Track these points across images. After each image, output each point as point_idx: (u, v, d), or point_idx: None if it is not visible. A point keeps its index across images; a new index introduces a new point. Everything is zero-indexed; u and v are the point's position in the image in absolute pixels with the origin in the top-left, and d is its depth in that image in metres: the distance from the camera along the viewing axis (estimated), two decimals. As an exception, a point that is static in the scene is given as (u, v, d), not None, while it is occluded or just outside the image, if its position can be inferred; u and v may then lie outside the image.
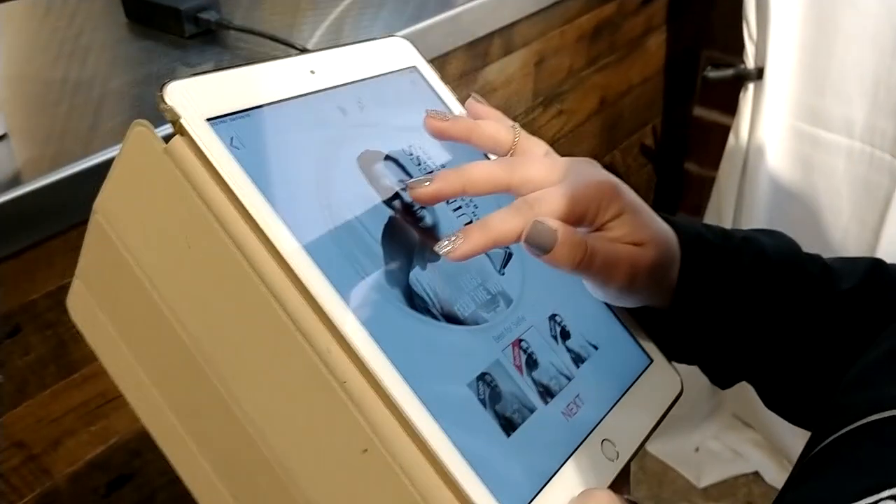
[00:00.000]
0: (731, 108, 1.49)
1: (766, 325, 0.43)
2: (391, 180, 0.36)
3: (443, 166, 0.39)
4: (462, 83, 1.02)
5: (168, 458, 0.38)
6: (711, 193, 1.48)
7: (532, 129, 1.20)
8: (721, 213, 1.40)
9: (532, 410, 0.34)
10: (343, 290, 0.31)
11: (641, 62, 1.45)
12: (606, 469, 0.34)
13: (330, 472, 0.31)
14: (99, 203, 0.36)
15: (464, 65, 1.01)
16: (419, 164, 0.38)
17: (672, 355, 0.43)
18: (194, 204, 0.32)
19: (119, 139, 0.67)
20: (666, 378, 0.40)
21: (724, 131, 1.47)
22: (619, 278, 0.37)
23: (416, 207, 0.36)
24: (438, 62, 0.97)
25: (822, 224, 1.27)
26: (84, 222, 0.66)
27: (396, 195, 0.36)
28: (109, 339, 0.38)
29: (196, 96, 0.33)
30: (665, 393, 0.40)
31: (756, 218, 1.33)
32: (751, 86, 1.29)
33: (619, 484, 0.34)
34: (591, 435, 0.35)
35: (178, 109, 0.32)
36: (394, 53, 0.41)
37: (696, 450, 1.56)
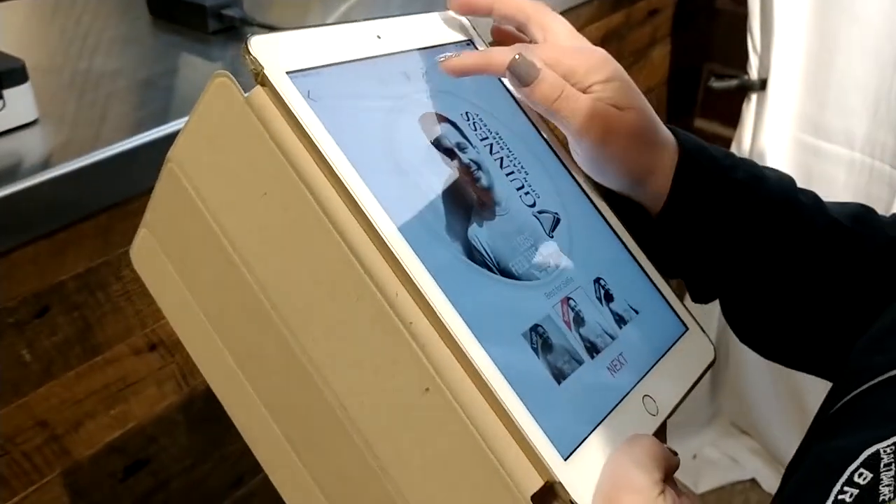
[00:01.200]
0: (732, 120, 1.52)
1: (754, 243, 0.44)
2: (450, 142, 0.38)
3: (497, 132, 0.41)
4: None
5: (223, 403, 0.39)
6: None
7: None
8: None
9: (580, 363, 0.36)
10: (410, 240, 0.33)
11: (646, 72, 1.47)
12: (647, 422, 0.36)
13: (391, 411, 0.33)
14: (174, 152, 0.38)
15: (477, 68, 1.03)
16: (475, 129, 0.40)
17: (658, 265, 0.44)
18: (272, 151, 0.33)
19: (147, 127, 0.69)
20: (701, 346, 0.42)
21: (725, 143, 1.49)
22: (592, 130, 0.40)
23: (472, 168, 0.38)
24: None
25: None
26: (114, 205, 0.68)
27: (455, 156, 0.38)
28: (173, 286, 0.39)
29: (277, 50, 0.34)
30: (700, 359, 0.41)
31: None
32: (754, 97, 1.32)
33: (659, 438, 0.36)
34: (634, 390, 0.37)
35: (262, 61, 0.34)
36: (452, 26, 0.44)
37: (694, 457, 1.57)
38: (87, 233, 0.67)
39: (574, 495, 0.31)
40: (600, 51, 0.43)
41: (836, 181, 1.25)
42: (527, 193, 0.40)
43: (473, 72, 0.40)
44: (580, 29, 1.28)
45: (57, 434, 0.71)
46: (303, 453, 0.36)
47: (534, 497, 0.31)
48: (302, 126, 0.33)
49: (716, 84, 1.33)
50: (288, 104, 0.33)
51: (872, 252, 0.45)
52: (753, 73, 1.31)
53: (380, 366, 0.33)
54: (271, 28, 0.87)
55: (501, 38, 0.47)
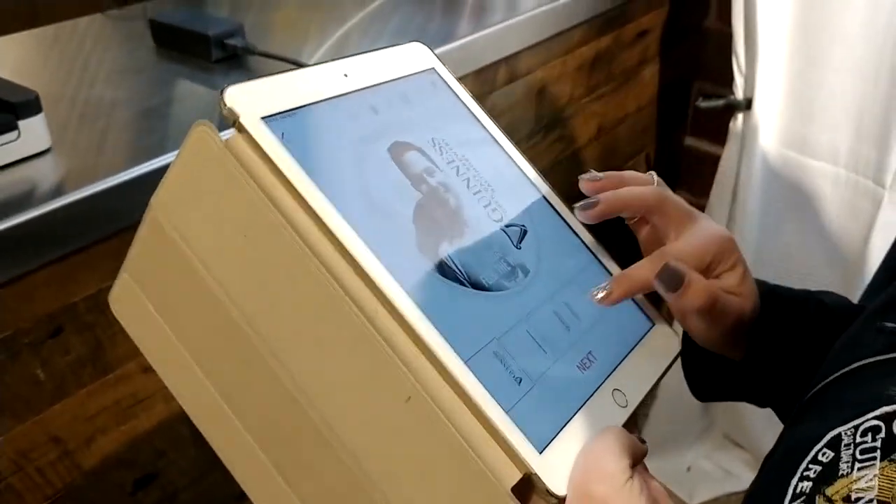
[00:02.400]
0: (721, 138, 1.55)
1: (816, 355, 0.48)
2: (418, 168, 0.41)
3: (462, 155, 0.44)
4: (469, 108, 1.08)
5: (208, 439, 0.42)
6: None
7: (534, 153, 1.25)
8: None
9: (551, 363, 0.39)
10: (386, 263, 0.36)
11: (636, 92, 1.51)
12: (617, 414, 0.39)
13: (376, 423, 0.36)
14: (156, 199, 0.40)
15: (472, 91, 1.07)
16: (442, 154, 0.43)
17: (741, 397, 0.48)
18: (253, 192, 0.36)
19: (155, 153, 0.72)
20: (667, 339, 0.45)
21: (714, 160, 1.53)
22: (726, 324, 0.43)
23: (441, 191, 0.41)
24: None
25: (809, 247, 1.32)
26: (124, 230, 0.71)
27: (424, 181, 0.41)
28: (154, 328, 0.42)
29: (252, 98, 0.37)
30: (666, 351, 0.45)
31: (746, 242, 1.38)
32: (740, 115, 1.35)
33: (629, 428, 0.39)
34: (604, 385, 0.40)
35: (237, 109, 0.37)
36: (414, 57, 0.47)
37: (688, 469, 1.60)
38: (98, 256, 0.70)
39: (549, 485, 0.34)
40: (724, 231, 0.45)
41: (821, 196, 1.29)
42: (494, 210, 0.43)
43: (634, 295, 0.43)
44: (572, 50, 1.31)
45: (69, 449, 0.73)
46: (290, 476, 0.39)
47: (513, 489, 0.34)
48: (278, 167, 0.36)
49: (703, 104, 1.37)
50: (264, 148, 0.36)
51: None
52: (739, 93, 1.34)
53: (363, 381, 0.35)
54: (272, 56, 0.90)
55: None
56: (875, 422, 0.33)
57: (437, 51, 0.97)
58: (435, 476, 0.35)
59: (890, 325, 0.39)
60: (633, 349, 0.43)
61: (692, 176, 1.77)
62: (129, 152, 0.73)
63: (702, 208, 1.59)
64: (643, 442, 0.38)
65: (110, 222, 0.70)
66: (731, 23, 1.40)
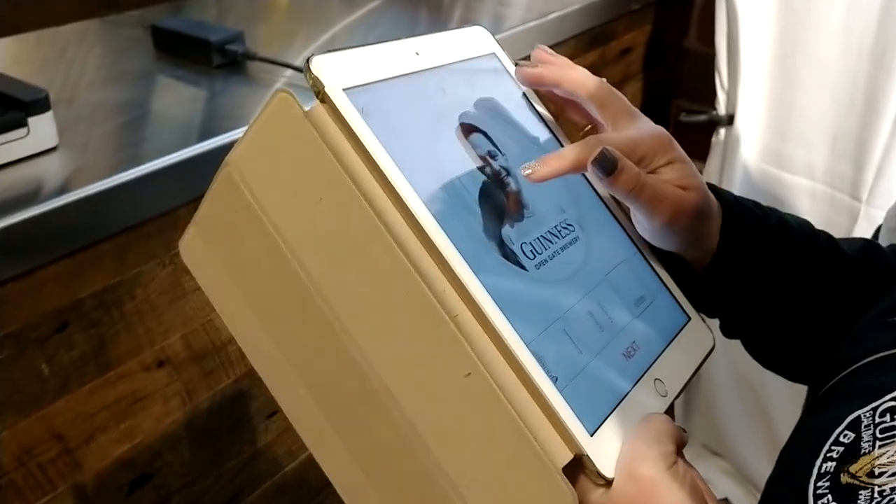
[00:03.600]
0: (700, 154, 1.59)
1: (785, 281, 0.50)
2: (482, 150, 0.43)
3: (522, 143, 0.46)
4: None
5: (272, 393, 0.43)
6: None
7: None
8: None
9: (601, 350, 0.40)
10: (454, 241, 0.37)
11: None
12: (658, 402, 0.41)
13: (435, 393, 0.37)
14: (233, 157, 0.41)
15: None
16: (503, 138, 0.45)
17: (699, 306, 0.49)
18: (330, 162, 0.37)
19: (159, 155, 0.73)
20: (702, 333, 0.47)
21: (694, 175, 1.57)
22: (664, 213, 0.44)
23: (502, 175, 0.43)
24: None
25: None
26: (129, 228, 0.72)
27: (487, 163, 0.43)
28: (220, 280, 0.43)
29: (335, 69, 0.38)
30: (702, 346, 0.46)
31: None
32: (722, 131, 1.39)
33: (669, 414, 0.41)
34: (647, 374, 0.42)
35: (322, 79, 0.37)
36: (477, 40, 0.48)
37: (668, 479, 1.62)
38: (104, 253, 0.71)
39: (599, 467, 0.36)
40: (661, 130, 0.47)
41: (799, 210, 1.32)
42: (549, 198, 0.45)
43: (559, 175, 0.43)
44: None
45: (70, 447, 0.74)
46: (344, 433, 0.40)
47: (564, 469, 0.35)
48: (359, 139, 0.37)
49: (685, 119, 1.40)
50: (347, 120, 0.37)
51: (880, 279, 0.52)
52: (721, 109, 1.38)
53: (425, 353, 0.37)
54: (273, 62, 0.92)
55: (558, 103, 0.50)
56: (892, 403, 0.36)
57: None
58: (488, 449, 0.36)
59: None
60: (672, 341, 0.45)
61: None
62: (133, 153, 0.74)
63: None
64: (684, 431, 0.40)
65: (117, 220, 0.71)
66: (714, 42, 1.44)
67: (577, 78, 0.48)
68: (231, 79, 0.91)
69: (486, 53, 0.48)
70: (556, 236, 0.43)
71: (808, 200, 1.31)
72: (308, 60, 0.38)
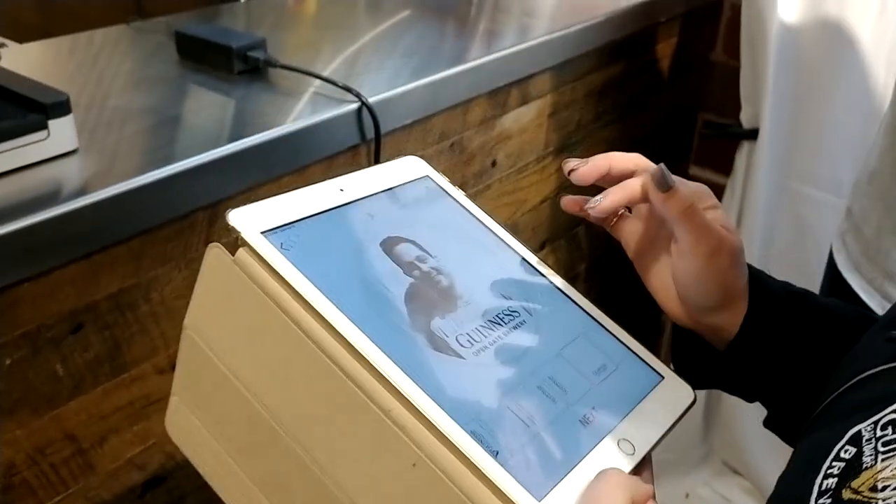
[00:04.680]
0: (725, 168, 1.58)
1: (812, 360, 0.50)
2: (410, 256, 0.46)
3: (457, 244, 0.48)
4: (482, 128, 1.10)
5: None
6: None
7: (542, 176, 1.27)
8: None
9: (553, 420, 0.41)
10: (377, 342, 0.39)
11: (642, 120, 1.53)
12: (624, 461, 0.41)
13: (388, 489, 0.39)
14: (188, 320, 0.45)
15: (484, 112, 1.09)
16: (435, 243, 0.47)
17: (719, 382, 0.50)
18: (261, 299, 0.41)
19: (178, 158, 0.73)
20: (678, 390, 0.47)
21: (718, 190, 1.55)
22: (709, 243, 0.46)
23: (433, 274, 0.45)
24: (462, 108, 1.04)
25: (812, 277, 1.34)
26: (146, 231, 0.72)
27: (416, 267, 0.45)
28: (205, 444, 0.46)
29: (251, 217, 0.42)
30: (677, 402, 0.46)
31: (749, 270, 1.40)
32: (745, 145, 1.38)
33: (640, 471, 0.41)
34: (608, 436, 0.41)
35: (238, 227, 0.42)
36: (409, 168, 0.51)
37: (687, 496, 1.60)
38: (121, 256, 0.71)
39: None
40: (702, 186, 0.50)
41: (825, 227, 1.31)
42: (488, 287, 0.47)
43: (622, 206, 0.48)
44: (582, 76, 1.34)
45: (83, 448, 0.74)
46: None
47: None
48: (279, 274, 0.40)
49: (708, 132, 1.39)
50: (265, 258, 0.40)
51: None
52: (745, 123, 1.37)
53: (372, 451, 0.39)
54: (293, 69, 0.92)
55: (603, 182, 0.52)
56: (894, 415, 0.35)
57: (451, 71, 0.99)
58: None
59: None
60: (641, 401, 0.45)
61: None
62: (153, 157, 0.74)
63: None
64: (648, 482, 0.39)
65: (134, 223, 0.71)
66: (739, 56, 1.43)
67: (619, 156, 0.51)
68: (252, 85, 0.92)
69: (419, 177, 0.51)
70: (499, 323, 0.44)
71: (833, 217, 1.29)
72: (227, 213, 0.42)
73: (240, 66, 0.93)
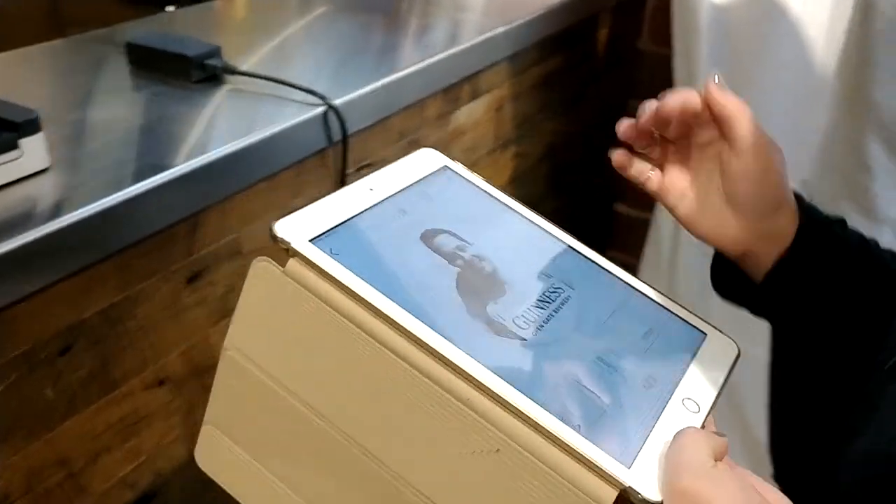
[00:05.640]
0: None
1: (849, 290, 0.54)
2: (450, 246, 0.46)
3: (490, 229, 0.49)
4: (438, 125, 1.11)
5: None
6: (648, 234, 1.61)
7: (494, 169, 1.30)
8: (660, 246, 1.52)
9: (619, 389, 0.42)
10: (443, 334, 0.40)
11: (584, 110, 1.57)
12: (692, 418, 0.42)
13: (474, 482, 0.39)
14: (230, 340, 0.44)
15: (439, 108, 1.11)
16: (470, 231, 0.48)
17: (755, 306, 0.53)
18: (319, 308, 0.40)
19: (152, 173, 0.72)
20: (723, 344, 0.49)
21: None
22: (764, 140, 0.53)
23: (476, 262, 0.46)
24: (419, 105, 1.06)
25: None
26: (131, 246, 0.71)
27: (458, 256, 0.46)
28: (246, 470, 0.45)
29: (296, 227, 0.42)
30: (725, 355, 0.48)
31: (695, 249, 1.45)
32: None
33: (706, 428, 0.42)
34: (672, 398, 0.43)
35: (287, 238, 0.42)
36: (428, 161, 0.52)
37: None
38: (105, 272, 0.70)
39: (645, 493, 0.37)
40: None
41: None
42: (529, 267, 0.48)
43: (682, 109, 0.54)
44: (525, 71, 1.36)
45: (74, 472, 0.73)
46: None
47: None
48: (335, 278, 0.40)
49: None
50: (319, 265, 0.41)
51: None
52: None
53: (453, 444, 0.39)
54: (254, 76, 0.92)
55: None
56: None
57: (410, 70, 1.01)
58: None
59: None
60: (692, 360, 0.46)
61: (632, 191, 1.85)
62: (128, 171, 0.73)
63: (643, 222, 1.67)
64: (722, 435, 0.40)
65: (115, 239, 0.70)
66: (666, 43, 1.48)
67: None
68: (212, 94, 0.91)
69: (438, 168, 0.52)
70: (547, 301, 0.46)
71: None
72: (271, 227, 0.42)
73: (197, 74, 0.92)
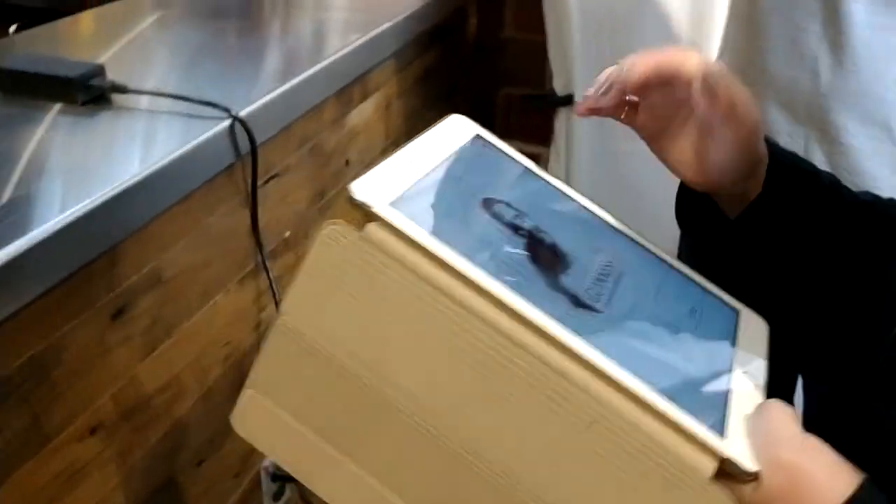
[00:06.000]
0: (532, 137, 1.66)
1: (825, 242, 0.54)
2: (510, 216, 0.45)
3: (534, 199, 0.49)
4: (334, 128, 1.09)
5: None
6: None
7: (387, 168, 1.28)
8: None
9: (688, 363, 0.43)
10: (543, 309, 0.38)
11: (463, 100, 1.59)
12: (758, 391, 0.43)
13: (565, 457, 0.38)
14: (287, 307, 0.41)
15: (335, 111, 1.08)
16: (519, 201, 0.47)
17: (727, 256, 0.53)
18: (402, 273, 0.38)
19: (71, 203, 0.66)
20: (755, 320, 0.50)
21: (533, 159, 1.64)
22: (740, 127, 0.50)
23: (536, 233, 0.45)
24: (316, 111, 1.03)
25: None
26: (51, 289, 0.66)
27: (519, 226, 0.45)
28: (292, 437, 0.42)
29: (375, 189, 0.40)
30: (761, 333, 0.49)
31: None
32: (562, 112, 1.47)
33: None
34: (734, 371, 0.44)
35: (369, 202, 0.39)
36: (461, 129, 0.51)
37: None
38: (26, 322, 0.64)
39: (744, 463, 0.37)
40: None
41: (648, 181, 1.42)
42: (580, 239, 0.48)
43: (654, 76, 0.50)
44: (406, 67, 1.35)
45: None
46: None
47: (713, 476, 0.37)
48: (424, 247, 0.38)
49: (528, 102, 1.47)
50: (406, 232, 0.39)
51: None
52: (559, 91, 1.45)
53: (543, 420, 0.38)
54: (144, 93, 0.86)
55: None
56: None
57: (307, 73, 0.97)
58: (638, 490, 0.37)
59: None
60: (736, 336, 0.47)
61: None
62: (36, 210, 0.67)
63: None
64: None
65: (39, 282, 0.64)
66: (530, 30, 1.51)
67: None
68: (102, 116, 0.85)
69: (473, 136, 0.52)
70: (605, 275, 0.45)
71: (655, 169, 1.40)
72: (349, 190, 0.39)
73: (83, 96, 0.85)
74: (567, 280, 0.43)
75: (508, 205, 0.46)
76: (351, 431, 0.41)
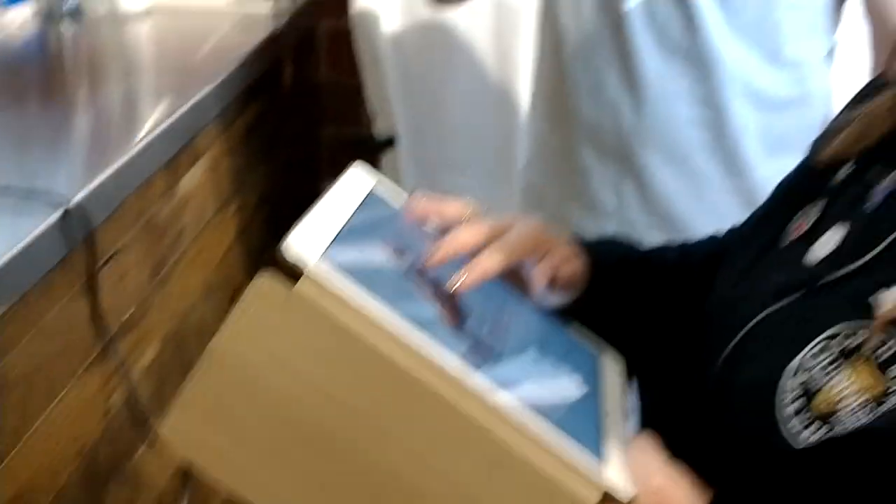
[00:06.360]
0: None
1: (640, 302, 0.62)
2: (418, 263, 0.49)
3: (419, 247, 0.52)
4: (167, 198, 1.07)
5: None
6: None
7: (222, 229, 1.27)
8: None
9: (568, 398, 0.47)
10: (458, 363, 0.42)
11: (293, 148, 1.59)
12: (623, 420, 0.49)
13: (460, 481, 0.41)
14: (219, 344, 0.42)
15: (165, 183, 1.06)
16: (409, 249, 0.50)
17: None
18: (335, 328, 0.40)
19: None
20: (614, 361, 0.56)
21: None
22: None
23: (441, 281, 0.49)
24: (147, 184, 1.00)
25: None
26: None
27: (426, 273, 0.49)
28: (219, 449, 0.44)
29: (306, 245, 0.42)
30: (618, 371, 0.55)
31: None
32: (389, 153, 1.51)
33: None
34: (600, 405, 0.49)
35: (301, 259, 0.41)
36: (358, 179, 0.53)
37: None
38: None
39: (621, 491, 0.41)
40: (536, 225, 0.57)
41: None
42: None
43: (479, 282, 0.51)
44: (230, 125, 1.34)
45: None
46: None
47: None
48: (352, 304, 0.40)
49: (368, 144, 1.50)
50: (336, 290, 0.40)
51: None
52: (383, 133, 1.50)
53: (449, 445, 0.41)
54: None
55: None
56: (823, 343, 0.44)
57: (134, 150, 0.95)
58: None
59: None
60: (600, 377, 0.52)
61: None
62: None
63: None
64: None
65: None
66: (344, 73, 1.55)
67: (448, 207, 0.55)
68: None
69: (371, 188, 0.54)
70: (499, 315, 0.50)
71: (488, 198, 1.47)
72: (281, 248, 0.41)
73: None
74: (471, 323, 0.47)
75: (413, 252, 0.50)
76: (283, 461, 0.43)
